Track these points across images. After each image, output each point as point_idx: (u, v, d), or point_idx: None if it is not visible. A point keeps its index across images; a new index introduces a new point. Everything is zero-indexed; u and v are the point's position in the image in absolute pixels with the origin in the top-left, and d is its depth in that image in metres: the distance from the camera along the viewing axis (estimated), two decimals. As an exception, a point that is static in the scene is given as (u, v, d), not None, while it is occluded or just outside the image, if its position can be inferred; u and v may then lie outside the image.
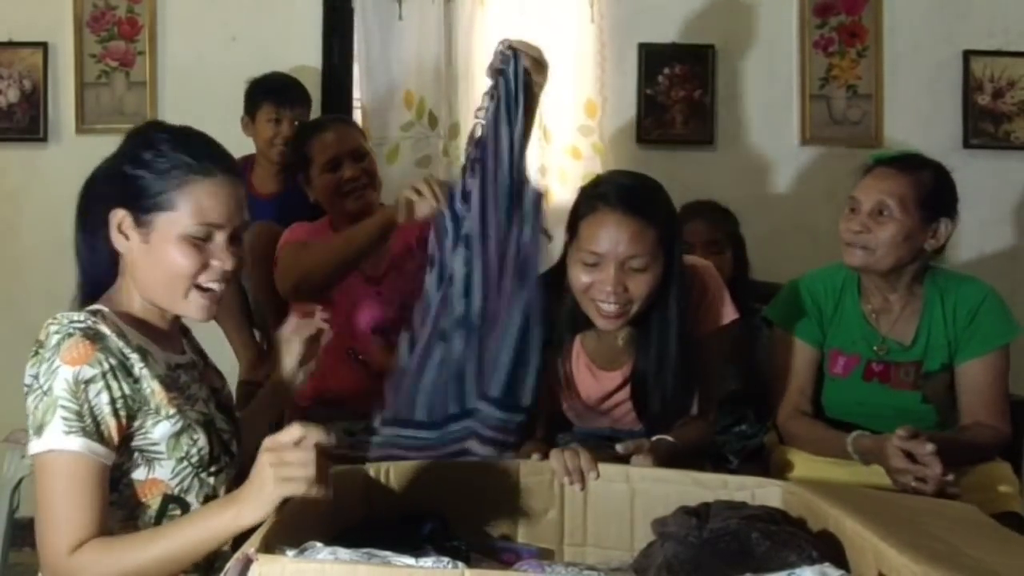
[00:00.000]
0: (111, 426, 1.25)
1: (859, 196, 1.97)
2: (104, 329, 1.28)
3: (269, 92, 2.70)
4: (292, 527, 1.12)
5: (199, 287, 1.34)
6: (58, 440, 1.21)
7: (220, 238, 1.33)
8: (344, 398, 2.17)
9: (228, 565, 1.01)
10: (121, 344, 1.28)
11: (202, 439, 1.34)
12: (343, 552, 1.05)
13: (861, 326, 2.01)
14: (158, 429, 1.29)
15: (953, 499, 1.64)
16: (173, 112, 3.06)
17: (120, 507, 1.30)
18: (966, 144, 3.10)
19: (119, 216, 1.33)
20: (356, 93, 3.13)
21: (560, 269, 1.84)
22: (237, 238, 1.36)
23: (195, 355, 1.48)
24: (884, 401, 1.98)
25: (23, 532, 2.77)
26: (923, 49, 3.11)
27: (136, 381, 1.28)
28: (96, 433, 1.23)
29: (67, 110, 3.09)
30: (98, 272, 1.39)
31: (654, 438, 1.72)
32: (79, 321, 1.27)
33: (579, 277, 1.76)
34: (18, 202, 3.10)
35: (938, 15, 3.11)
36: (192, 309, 1.35)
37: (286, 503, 1.16)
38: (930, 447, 1.67)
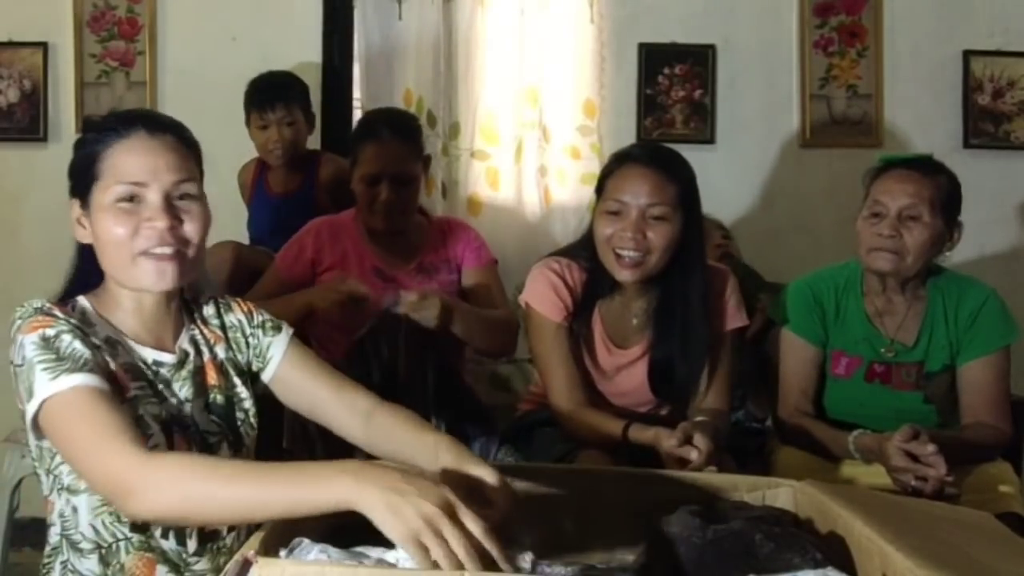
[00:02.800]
0: (97, 360, 1.22)
1: (884, 199, 1.94)
2: (60, 314, 1.26)
3: (252, 101, 2.69)
4: (287, 531, 1.12)
5: (146, 254, 1.28)
6: (47, 388, 1.18)
7: (152, 197, 1.27)
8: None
9: (227, 567, 1.01)
10: (78, 330, 1.25)
11: (157, 437, 1.26)
12: (334, 551, 1.04)
13: (864, 327, 2.01)
14: None
15: (952, 499, 1.64)
16: (173, 112, 3.00)
17: (92, 493, 1.25)
18: (966, 144, 3.10)
19: (75, 209, 1.33)
20: (356, 93, 3.13)
21: (584, 242, 1.97)
22: (177, 197, 1.30)
23: (197, 351, 1.39)
24: (886, 402, 1.98)
25: (23, 532, 2.77)
26: (923, 49, 3.10)
27: (98, 350, 1.25)
28: (82, 367, 1.19)
29: (67, 110, 3.09)
30: (82, 273, 1.37)
31: (695, 420, 1.82)
32: (36, 305, 1.27)
33: (603, 228, 1.88)
34: (18, 202, 3.09)
35: (938, 15, 3.10)
36: (144, 278, 1.29)
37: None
38: (931, 448, 1.67)
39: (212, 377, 1.40)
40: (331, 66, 3.10)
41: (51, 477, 1.29)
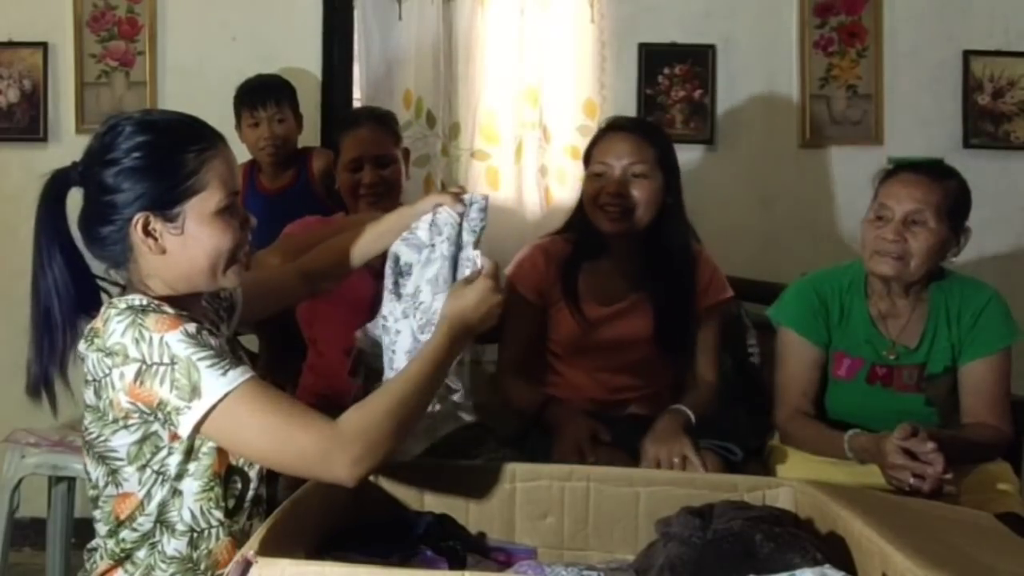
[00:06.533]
0: (240, 355, 1.32)
1: (889, 203, 1.93)
2: (170, 309, 1.25)
3: (242, 100, 2.74)
4: (287, 531, 1.12)
5: (236, 257, 1.33)
6: (221, 384, 1.18)
7: (239, 203, 1.34)
8: (344, 398, 2.16)
9: (228, 568, 1.01)
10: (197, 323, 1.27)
11: None
12: None
13: (867, 329, 2.01)
14: None
15: (951, 498, 1.64)
16: (173, 112, 3.05)
17: (196, 478, 1.28)
18: (966, 144, 3.09)
19: (143, 220, 1.27)
20: (356, 93, 3.13)
21: (573, 214, 2.21)
22: None
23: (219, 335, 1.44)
24: (887, 404, 1.98)
25: (23, 532, 2.77)
26: (923, 49, 3.10)
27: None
28: (239, 360, 1.24)
29: (67, 110, 3.09)
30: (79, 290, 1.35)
31: (671, 408, 2.01)
32: (139, 302, 1.24)
33: (590, 188, 2.12)
34: (18, 202, 3.07)
35: (938, 15, 3.10)
36: (230, 280, 1.35)
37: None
38: (931, 445, 1.67)
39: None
40: (331, 66, 3.09)
41: (147, 472, 1.27)
